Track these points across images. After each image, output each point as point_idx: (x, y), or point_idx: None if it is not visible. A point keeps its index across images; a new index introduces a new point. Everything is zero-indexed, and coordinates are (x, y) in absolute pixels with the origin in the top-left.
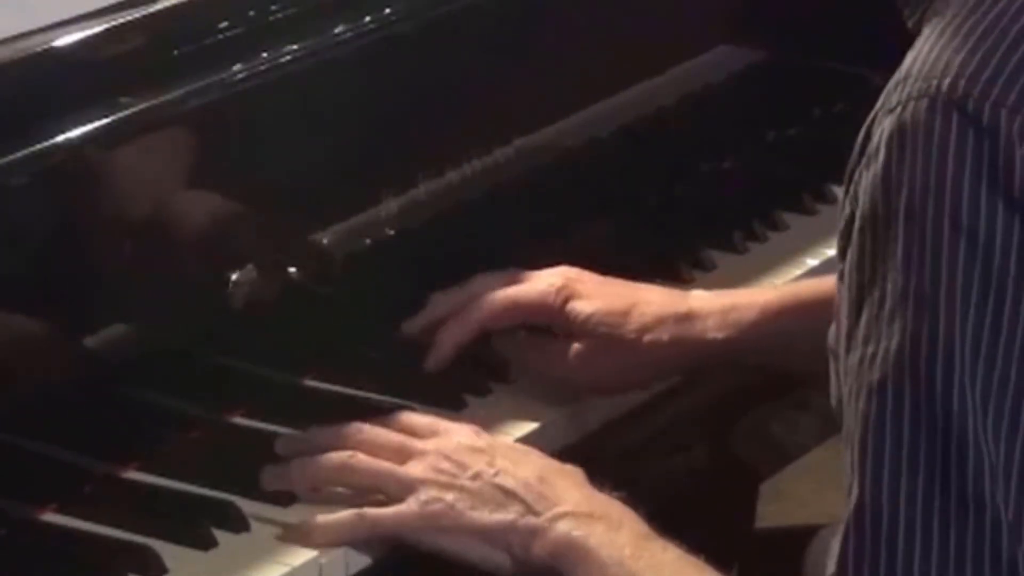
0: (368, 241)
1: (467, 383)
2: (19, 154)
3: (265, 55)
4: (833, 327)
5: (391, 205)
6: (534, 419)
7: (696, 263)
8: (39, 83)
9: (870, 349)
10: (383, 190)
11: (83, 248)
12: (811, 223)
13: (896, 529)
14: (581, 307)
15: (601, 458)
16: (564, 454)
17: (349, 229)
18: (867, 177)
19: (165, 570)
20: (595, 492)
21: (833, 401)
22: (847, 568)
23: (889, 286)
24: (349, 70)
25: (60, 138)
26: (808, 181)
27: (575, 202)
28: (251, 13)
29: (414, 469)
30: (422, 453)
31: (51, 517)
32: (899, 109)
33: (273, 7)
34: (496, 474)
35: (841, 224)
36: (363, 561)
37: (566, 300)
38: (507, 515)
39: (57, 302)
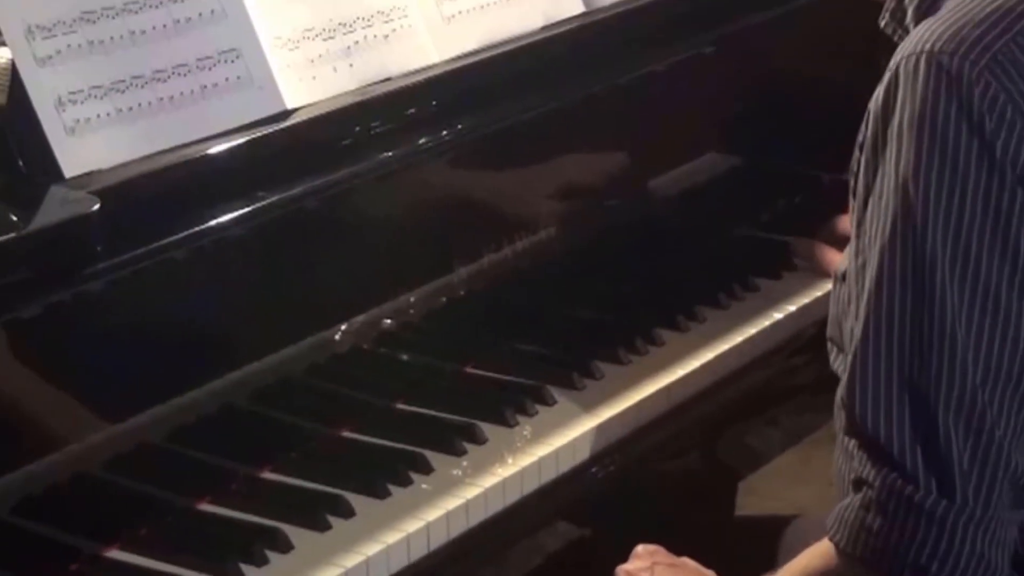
0: (444, 300)
1: (518, 406)
2: (173, 237)
3: (367, 161)
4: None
5: (460, 273)
6: (566, 436)
7: (689, 316)
8: (195, 181)
9: (876, 226)
10: (455, 260)
11: (238, 303)
12: (777, 286)
13: (879, 349)
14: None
15: (620, 462)
16: (595, 459)
17: (431, 290)
18: (871, 114)
19: (292, 547)
20: None
21: (830, 321)
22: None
23: (887, 182)
24: (431, 170)
25: (212, 223)
26: (776, 254)
27: (600, 271)
28: (357, 128)
29: None
30: None
31: (206, 507)
32: (901, 62)
33: (374, 123)
34: None
35: (855, 167)
36: (442, 537)
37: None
38: None
39: (214, 340)
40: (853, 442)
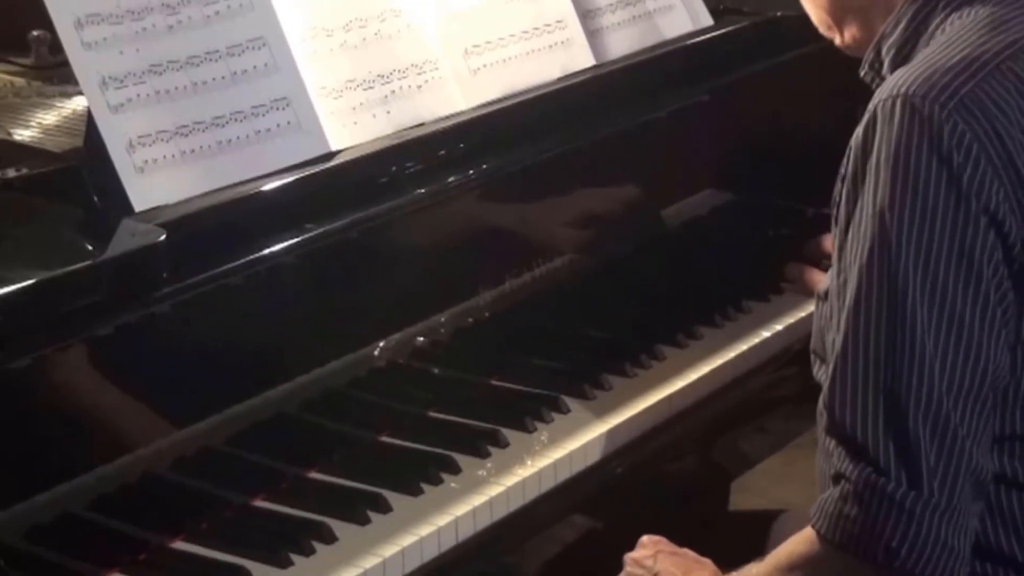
0: (470, 320)
1: (537, 414)
2: (231, 264)
3: (402, 197)
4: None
5: (485, 296)
6: (579, 441)
7: (688, 334)
8: (250, 215)
9: (855, 250)
10: (480, 286)
11: (288, 322)
12: (766, 308)
13: (857, 358)
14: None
15: (627, 463)
16: (604, 461)
17: (459, 311)
18: (852, 150)
19: (335, 538)
20: None
21: (813, 335)
22: (835, 384)
23: (865, 210)
24: (459, 205)
25: (265, 251)
26: (765, 279)
27: (608, 295)
28: (393, 168)
29: None
30: None
31: (260, 503)
32: (879, 104)
33: (408, 164)
34: None
35: (837, 198)
36: (469, 530)
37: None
38: None
39: (267, 356)
40: (833, 441)
